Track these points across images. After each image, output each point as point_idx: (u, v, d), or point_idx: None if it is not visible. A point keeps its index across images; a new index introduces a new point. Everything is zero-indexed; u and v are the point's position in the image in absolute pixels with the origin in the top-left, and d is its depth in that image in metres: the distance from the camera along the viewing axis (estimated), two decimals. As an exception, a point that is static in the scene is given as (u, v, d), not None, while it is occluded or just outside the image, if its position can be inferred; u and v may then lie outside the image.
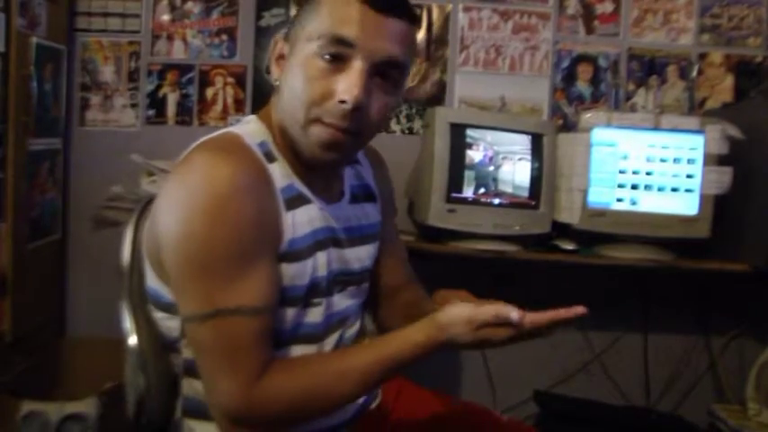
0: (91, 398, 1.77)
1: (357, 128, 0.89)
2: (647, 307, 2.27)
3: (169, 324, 0.96)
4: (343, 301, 1.03)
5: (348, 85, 0.86)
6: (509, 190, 1.94)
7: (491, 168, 1.93)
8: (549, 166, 1.95)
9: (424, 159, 1.94)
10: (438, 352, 0.88)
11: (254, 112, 1.01)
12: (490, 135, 1.92)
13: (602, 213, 1.91)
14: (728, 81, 2.30)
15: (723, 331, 2.29)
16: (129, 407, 1.03)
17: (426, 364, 0.93)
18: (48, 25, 1.95)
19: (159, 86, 2.24)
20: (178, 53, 2.24)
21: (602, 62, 2.30)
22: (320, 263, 0.96)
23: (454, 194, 1.89)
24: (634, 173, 1.92)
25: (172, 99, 2.25)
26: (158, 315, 0.97)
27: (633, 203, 1.92)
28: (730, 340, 2.30)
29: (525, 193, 1.95)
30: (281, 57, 0.95)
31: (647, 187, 1.92)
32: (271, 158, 0.93)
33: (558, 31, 2.29)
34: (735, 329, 2.29)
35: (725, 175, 1.89)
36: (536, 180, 1.95)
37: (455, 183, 1.89)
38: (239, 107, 2.25)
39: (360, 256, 1.06)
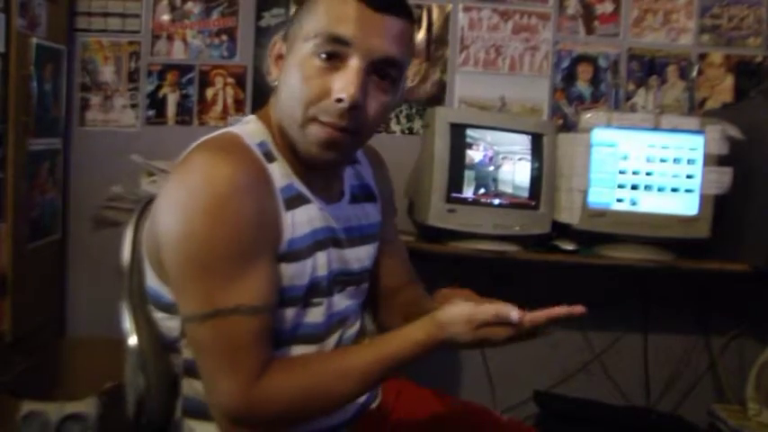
0: (91, 398, 1.77)
1: (355, 127, 0.89)
2: (647, 307, 2.27)
3: (169, 324, 0.96)
4: (342, 302, 1.03)
5: (345, 84, 0.86)
6: (509, 190, 1.94)
7: (491, 168, 1.93)
8: (549, 166, 1.95)
9: (424, 159, 1.94)
10: (438, 351, 0.88)
11: (253, 112, 1.01)
12: (490, 135, 1.92)
13: (602, 213, 1.91)
14: (728, 81, 2.30)
15: (723, 331, 2.29)
16: (129, 407, 1.04)
17: (426, 364, 0.93)
18: (48, 25, 1.95)
19: (159, 87, 2.24)
20: (178, 53, 2.24)
21: (602, 62, 2.30)
22: (320, 263, 0.96)
23: (454, 194, 1.89)
24: (634, 173, 1.92)
25: (172, 99, 2.25)
26: (158, 315, 0.97)
27: (633, 204, 1.92)
28: (730, 340, 2.30)
29: (525, 194, 1.95)
30: (280, 57, 0.95)
31: (647, 187, 1.92)
32: (270, 158, 0.93)
33: (558, 32, 2.29)
34: (735, 329, 2.29)
35: (725, 176, 1.89)
36: (536, 180, 1.95)
37: (455, 183, 1.89)
38: (239, 107, 2.25)
39: (359, 256, 1.06)
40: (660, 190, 1.92)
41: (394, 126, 2.27)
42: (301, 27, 0.90)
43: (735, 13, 2.30)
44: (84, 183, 2.20)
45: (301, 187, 0.95)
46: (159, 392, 1.02)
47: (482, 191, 1.92)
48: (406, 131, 2.27)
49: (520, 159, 1.94)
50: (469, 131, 1.91)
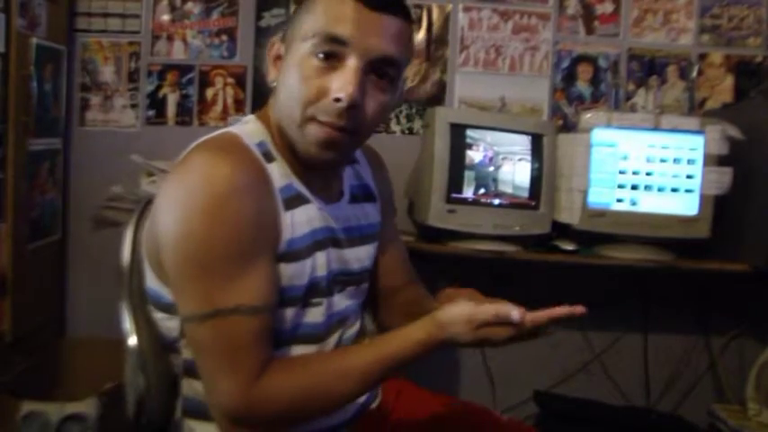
0: (91, 398, 1.77)
1: (353, 126, 0.89)
2: (647, 307, 2.27)
3: (169, 324, 0.96)
4: (342, 302, 1.03)
5: (343, 83, 0.86)
6: (509, 190, 1.94)
7: (491, 169, 1.93)
8: (549, 166, 1.95)
9: (424, 160, 1.94)
10: (438, 351, 0.88)
11: (253, 112, 1.01)
12: (490, 135, 1.92)
13: (602, 214, 1.91)
14: (728, 81, 2.30)
15: (723, 331, 2.29)
16: (129, 407, 1.04)
17: (426, 364, 0.93)
18: (48, 26, 1.95)
19: (159, 87, 2.24)
20: (178, 53, 2.24)
21: (602, 62, 2.30)
22: (319, 263, 0.96)
23: (454, 195, 1.89)
24: (634, 173, 1.92)
25: (172, 99, 2.25)
26: (158, 315, 0.97)
27: (633, 204, 1.92)
28: (730, 340, 2.30)
29: (525, 194, 1.95)
30: (278, 57, 0.95)
31: (647, 188, 1.92)
32: (269, 158, 0.93)
33: (558, 32, 2.29)
34: (735, 329, 2.29)
35: (725, 176, 1.89)
36: (536, 180, 1.95)
37: (455, 183, 1.89)
38: (239, 107, 2.25)
39: (359, 256, 1.06)
40: (660, 190, 1.92)
41: (394, 126, 2.27)
42: (299, 27, 0.90)
43: (735, 13, 2.30)
44: (84, 183, 2.20)
45: (300, 187, 0.95)
46: (159, 393, 1.02)
47: (482, 191, 1.92)
48: (406, 131, 2.27)
49: (520, 159, 1.94)
50: (469, 132, 1.91)
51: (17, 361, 1.82)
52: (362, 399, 1.05)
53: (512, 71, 2.28)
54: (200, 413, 0.95)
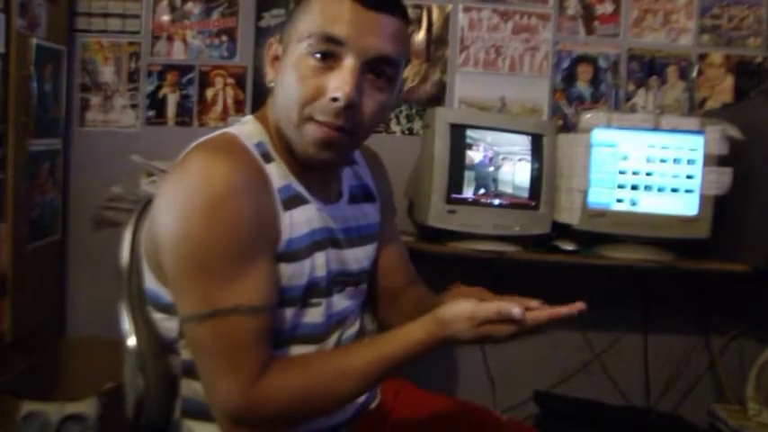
0: (91, 398, 1.77)
1: (351, 126, 0.89)
2: (647, 307, 2.27)
3: (168, 325, 0.96)
4: (342, 302, 1.03)
5: (340, 83, 0.86)
6: (509, 190, 1.94)
7: (491, 169, 1.93)
8: (549, 166, 1.95)
9: (424, 160, 1.94)
10: (438, 350, 0.88)
11: (253, 112, 1.01)
12: (490, 136, 1.92)
13: (602, 214, 1.91)
14: (728, 81, 2.30)
15: (723, 331, 2.29)
16: (129, 407, 1.04)
17: (426, 364, 0.93)
18: (48, 26, 1.95)
19: (159, 87, 2.24)
20: (178, 54, 2.24)
21: (602, 63, 2.30)
22: (318, 263, 0.96)
23: (454, 195, 1.89)
24: (634, 173, 1.92)
25: (172, 100, 2.25)
26: (157, 316, 0.97)
27: (633, 204, 1.92)
28: (730, 340, 2.30)
29: (525, 194, 1.95)
30: (276, 58, 0.95)
31: (647, 188, 1.92)
32: (268, 159, 0.93)
33: (557, 32, 2.29)
34: (735, 329, 2.29)
35: (725, 176, 1.89)
36: (536, 181, 1.95)
37: (455, 183, 1.89)
38: (239, 108, 2.25)
39: (358, 257, 1.06)
40: (660, 190, 1.92)
41: (394, 126, 2.27)
42: (296, 28, 0.90)
43: (735, 14, 2.30)
44: (84, 183, 2.21)
45: (299, 188, 0.95)
46: (158, 393, 1.02)
47: (482, 191, 1.92)
48: (406, 132, 2.27)
49: (520, 160, 1.94)
50: (469, 132, 1.91)
51: (17, 361, 1.82)
52: (362, 399, 1.05)
53: (512, 71, 2.28)
54: (199, 413, 0.95)
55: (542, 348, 2.24)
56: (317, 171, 0.97)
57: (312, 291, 0.96)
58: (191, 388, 0.96)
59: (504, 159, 1.93)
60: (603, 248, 1.97)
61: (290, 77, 0.89)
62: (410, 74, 2.25)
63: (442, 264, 1.89)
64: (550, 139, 1.96)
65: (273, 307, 0.89)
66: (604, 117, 1.91)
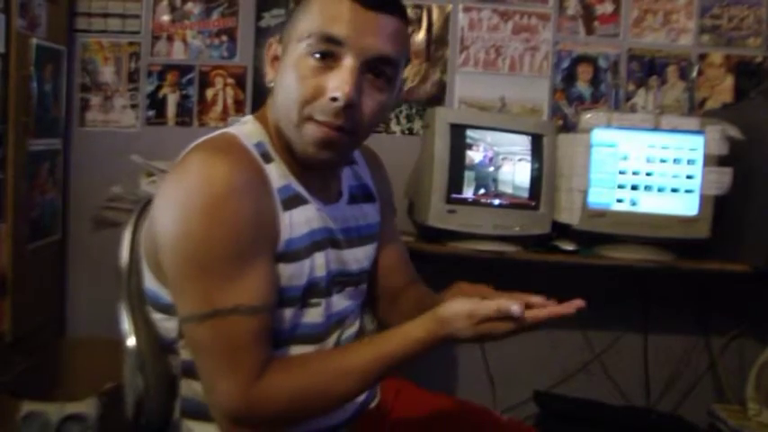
0: (91, 398, 1.77)
1: (351, 126, 0.89)
2: (647, 307, 2.27)
3: (167, 325, 0.96)
4: (341, 302, 1.03)
5: (339, 83, 0.86)
6: (509, 191, 1.94)
7: (491, 169, 1.93)
8: (549, 166, 1.95)
9: (424, 160, 1.94)
10: (438, 349, 0.88)
11: (253, 112, 1.01)
12: (490, 136, 1.92)
13: (602, 214, 1.91)
14: (728, 81, 2.30)
15: (723, 331, 2.29)
16: (128, 408, 1.04)
17: (426, 364, 0.93)
18: (48, 26, 1.95)
19: (159, 87, 2.24)
20: (178, 54, 2.24)
21: (602, 63, 2.30)
22: (318, 263, 0.96)
23: (454, 195, 1.89)
24: (634, 173, 1.92)
25: (172, 100, 2.25)
26: (157, 316, 0.97)
27: (633, 204, 1.92)
28: (730, 340, 2.30)
29: (525, 194, 1.95)
30: (276, 58, 0.95)
31: (647, 188, 1.92)
32: (267, 159, 0.93)
33: (557, 32, 2.29)
34: (735, 329, 2.28)
35: (725, 176, 1.89)
36: (536, 181, 1.95)
37: (455, 183, 1.89)
38: (239, 108, 2.25)
39: (357, 257, 1.06)
40: (660, 190, 1.92)
41: (394, 126, 2.27)
42: (295, 28, 0.91)
43: (735, 14, 2.30)
44: (84, 183, 2.21)
45: (299, 188, 0.95)
46: (158, 393, 1.02)
47: (482, 191, 1.92)
48: (406, 132, 2.27)
49: (520, 160, 1.94)
50: (469, 132, 1.91)
51: (17, 361, 1.82)
52: (361, 398, 1.05)
53: (512, 71, 2.28)
54: (198, 414, 0.95)
55: (542, 348, 2.24)
56: (317, 171, 0.97)
57: (312, 291, 0.96)
58: (190, 388, 0.95)
59: (504, 159, 1.93)
60: (603, 248, 1.97)
61: (290, 77, 0.89)
62: (410, 74, 2.25)
63: (442, 264, 1.89)
64: (550, 139, 1.96)
65: (273, 307, 0.89)
66: (604, 117, 1.91)
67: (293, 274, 0.92)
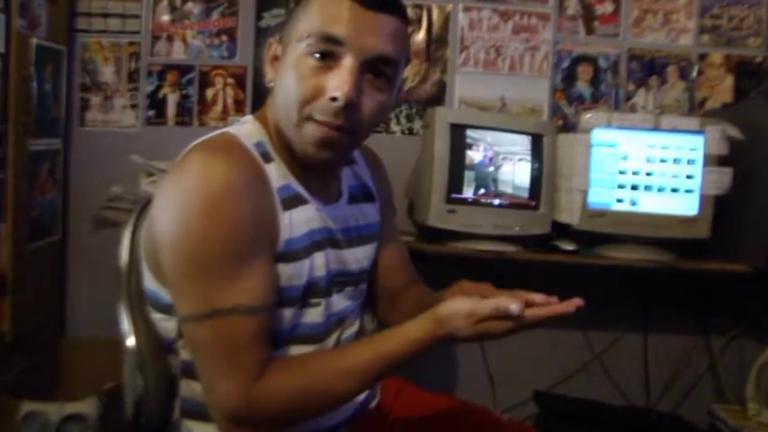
0: (91, 398, 1.77)
1: (350, 126, 0.89)
2: (647, 307, 2.27)
3: (167, 325, 0.96)
4: (341, 302, 1.03)
5: (339, 83, 0.86)
6: (509, 190, 1.94)
7: (491, 169, 1.93)
8: (549, 166, 1.95)
9: (424, 160, 1.94)
10: (437, 349, 0.88)
11: (253, 112, 1.01)
12: (490, 135, 1.92)
13: (602, 214, 1.91)
14: (728, 81, 2.30)
15: (723, 331, 2.29)
16: (128, 408, 1.04)
17: (426, 363, 0.93)
18: (48, 26, 1.95)
19: (159, 87, 2.24)
20: (178, 54, 2.24)
21: (602, 62, 2.30)
22: (318, 263, 0.96)
23: (454, 195, 1.89)
24: (634, 173, 1.92)
25: (172, 100, 2.25)
26: (156, 316, 0.97)
27: (633, 204, 1.92)
28: (730, 340, 2.30)
29: (525, 194, 1.95)
30: (275, 58, 0.95)
31: (647, 188, 1.92)
32: (267, 159, 0.93)
33: (557, 32, 2.29)
34: (735, 329, 2.28)
35: (725, 176, 1.89)
36: (536, 180, 1.95)
37: (455, 183, 1.89)
38: (239, 108, 2.25)
39: (357, 257, 1.06)
40: (660, 190, 1.92)
41: (394, 126, 2.27)
42: (295, 28, 0.91)
43: (735, 14, 2.30)
44: (84, 183, 2.21)
45: (299, 188, 0.95)
46: (157, 393, 1.02)
47: (482, 191, 1.92)
48: (406, 132, 2.27)
49: (520, 160, 1.94)
50: (469, 132, 1.90)
51: (17, 361, 1.82)
52: (361, 398, 1.05)
53: (512, 71, 2.28)
54: (198, 414, 0.95)
55: (542, 348, 2.24)
56: (317, 171, 0.97)
57: (311, 291, 0.96)
58: (190, 388, 0.95)
59: (504, 159, 1.93)
60: (603, 248, 1.97)
61: (290, 77, 0.89)
62: (410, 74, 2.25)
63: (442, 264, 1.89)
64: (550, 139, 1.96)
65: (272, 307, 0.89)
66: (604, 117, 1.91)
67: (293, 273, 0.92)
